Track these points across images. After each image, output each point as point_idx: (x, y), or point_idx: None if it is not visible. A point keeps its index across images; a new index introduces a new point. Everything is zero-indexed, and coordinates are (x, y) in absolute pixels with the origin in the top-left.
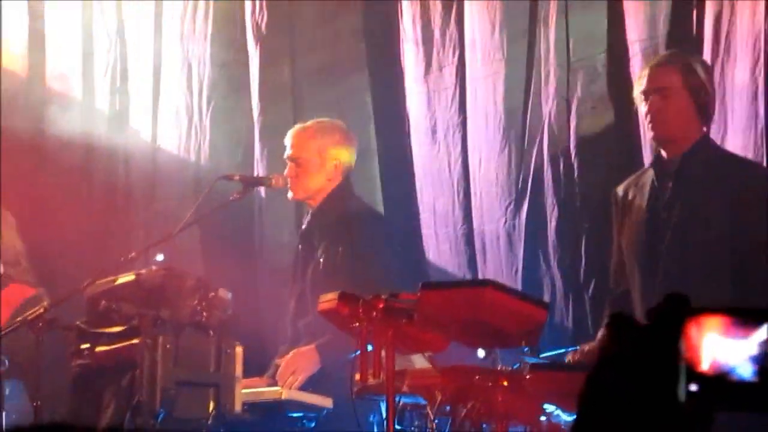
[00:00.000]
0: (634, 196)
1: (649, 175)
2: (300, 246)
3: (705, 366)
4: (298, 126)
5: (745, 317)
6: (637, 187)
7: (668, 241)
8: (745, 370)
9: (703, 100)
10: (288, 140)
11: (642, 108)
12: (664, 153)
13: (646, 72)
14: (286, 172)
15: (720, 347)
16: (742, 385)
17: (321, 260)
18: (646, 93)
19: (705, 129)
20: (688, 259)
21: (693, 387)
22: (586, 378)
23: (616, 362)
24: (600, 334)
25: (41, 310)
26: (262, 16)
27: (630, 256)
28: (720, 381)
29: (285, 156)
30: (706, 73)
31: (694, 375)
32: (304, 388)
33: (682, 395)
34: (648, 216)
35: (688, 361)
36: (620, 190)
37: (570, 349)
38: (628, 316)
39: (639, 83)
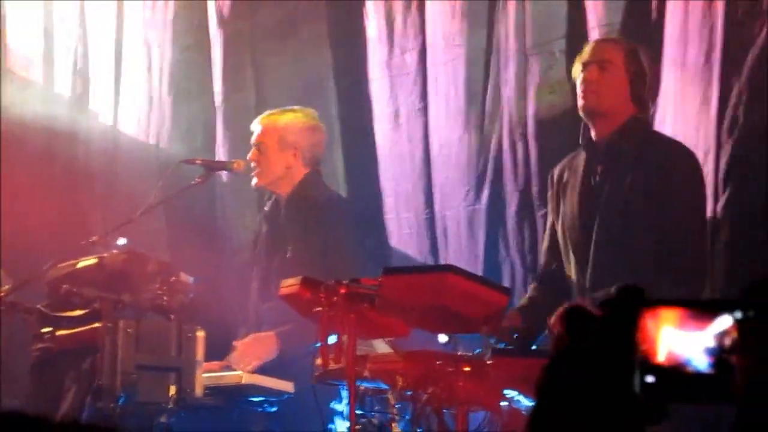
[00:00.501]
0: (569, 178)
1: (582, 157)
2: (264, 229)
3: (661, 358)
4: (266, 112)
5: (701, 309)
6: (571, 169)
7: (599, 221)
8: (701, 362)
9: (639, 85)
10: (254, 126)
11: (579, 79)
12: (593, 134)
13: (589, 46)
14: (249, 156)
15: (676, 339)
16: (698, 376)
17: (289, 248)
18: (586, 64)
19: (637, 111)
20: (616, 239)
21: (649, 378)
22: (542, 369)
23: (571, 354)
24: (551, 320)
25: (1, 293)
26: (225, 3)
27: (564, 235)
28: (676, 372)
29: (251, 140)
30: (649, 63)
31: (650, 366)
32: (265, 372)
33: (638, 387)
34: (581, 198)
35: (643, 352)
36: (556, 171)
37: None
38: (583, 309)
39: (580, 57)
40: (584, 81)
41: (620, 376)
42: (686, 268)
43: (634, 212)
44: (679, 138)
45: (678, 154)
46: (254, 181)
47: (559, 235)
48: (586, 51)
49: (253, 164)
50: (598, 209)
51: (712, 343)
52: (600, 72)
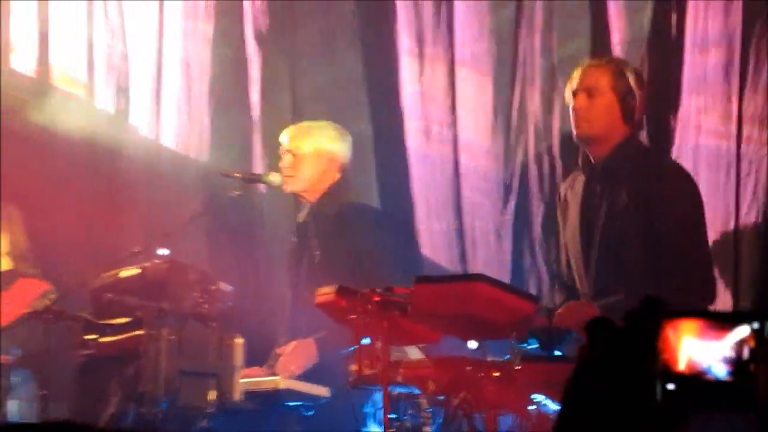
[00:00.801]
0: (571, 198)
1: (581, 178)
2: (296, 238)
3: (681, 366)
4: (294, 125)
5: (720, 320)
6: (572, 189)
7: (598, 238)
8: (720, 370)
9: (629, 104)
10: (284, 136)
11: (570, 107)
12: (591, 157)
13: (577, 72)
14: (281, 164)
15: (695, 348)
16: (717, 384)
17: (317, 254)
18: (575, 92)
19: (630, 131)
20: (613, 255)
21: (670, 386)
22: (567, 380)
23: (595, 365)
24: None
25: (48, 302)
26: (264, 20)
27: (569, 252)
28: (696, 380)
29: (281, 150)
30: (637, 80)
31: (671, 375)
32: (302, 378)
33: (659, 394)
34: (581, 217)
35: (665, 361)
36: (561, 190)
37: None
38: (607, 320)
39: (570, 83)
40: (575, 109)
41: (642, 384)
42: (682, 280)
43: (631, 231)
44: (705, 149)
45: (670, 172)
46: (286, 187)
47: (564, 250)
48: (575, 78)
49: (287, 171)
50: (597, 228)
51: (730, 352)
52: (589, 99)
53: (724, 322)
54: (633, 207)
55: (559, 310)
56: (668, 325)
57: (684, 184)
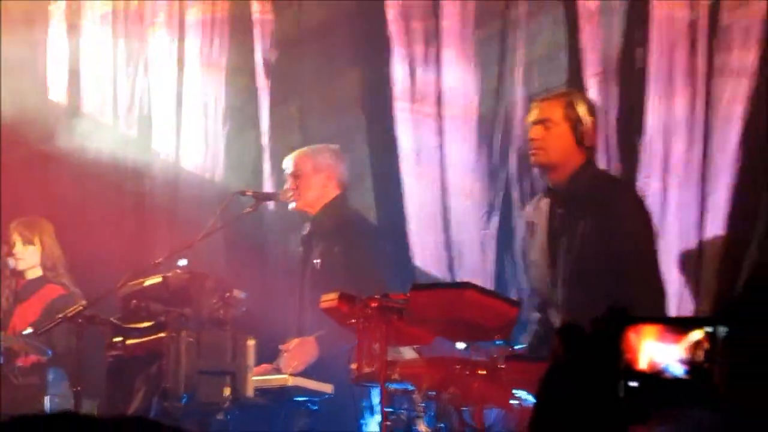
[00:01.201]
0: (538, 220)
1: (545, 201)
2: (301, 249)
3: (643, 366)
4: (295, 151)
5: (677, 325)
6: (537, 210)
7: (562, 257)
8: (677, 369)
9: (580, 131)
10: (287, 161)
11: (530, 134)
12: (550, 182)
13: (535, 105)
14: (286, 186)
15: (655, 350)
16: (675, 381)
17: (318, 261)
18: (532, 124)
19: (585, 157)
20: (576, 272)
21: (632, 383)
22: (540, 380)
23: (566, 366)
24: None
25: (80, 308)
26: (273, 54)
27: (537, 269)
28: (655, 378)
29: (285, 174)
30: (588, 109)
31: (633, 373)
32: (307, 375)
33: (623, 391)
34: (547, 238)
35: (627, 361)
36: (526, 212)
37: None
38: (576, 326)
39: (530, 114)
40: (532, 139)
41: (608, 382)
42: (636, 293)
43: (589, 253)
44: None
45: (621, 191)
46: (292, 205)
47: (533, 266)
48: (532, 112)
49: (290, 192)
50: (561, 250)
51: (686, 353)
52: (544, 130)
53: (680, 326)
54: (591, 230)
55: None
56: (630, 330)
57: (636, 203)
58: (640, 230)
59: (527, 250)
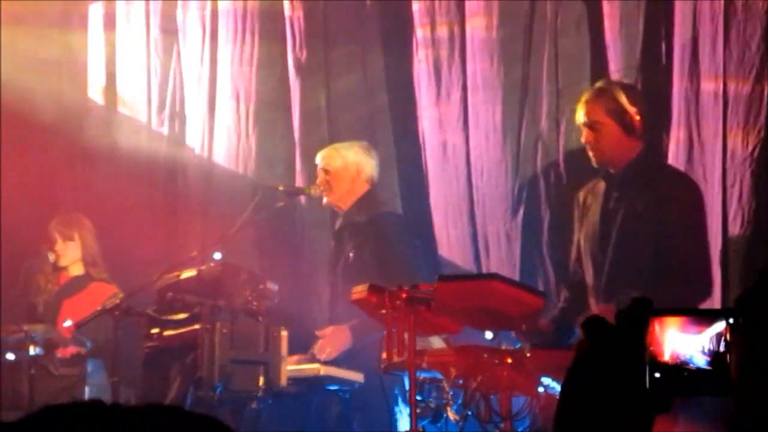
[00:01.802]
0: (591, 201)
1: (602, 185)
2: (333, 243)
3: (666, 357)
4: (327, 147)
5: (699, 316)
6: (593, 193)
7: (614, 239)
8: (699, 360)
9: (628, 122)
10: (319, 157)
11: (582, 137)
12: (610, 169)
13: (580, 107)
14: (318, 181)
15: (678, 342)
16: (697, 372)
17: (351, 255)
18: (583, 125)
19: (640, 143)
20: (627, 256)
21: (656, 375)
22: (567, 370)
23: (591, 356)
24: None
25: (117, 301)
26: (302, 52)
27: (585, 250)
28: (678, 369)
29: (318, 169)
30: (629, 97)
31: (657, 365)
32: (339, 364)
33: (647, 381)
34: (599, 218)
35: (651, 353)
36: (581, 195)
37: None
38: (601, 318)
39: (577, 115)
40: (586, 143)
41: (632, 373)
42: (684, 277)
43: (642, 234)
44: (697, 163)
45: (680, 184)
46: (324, 199)
47: (581, 248)
48: (579, 113)
49: (322, 187)
50: (614, 230)
51: (709, 344)
52: (593, 132)
53: (703, 318)
54: (646, 212)
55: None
56: (654, 322)
57: (694, 198)
58: (694, 222)
59: (577, 231)
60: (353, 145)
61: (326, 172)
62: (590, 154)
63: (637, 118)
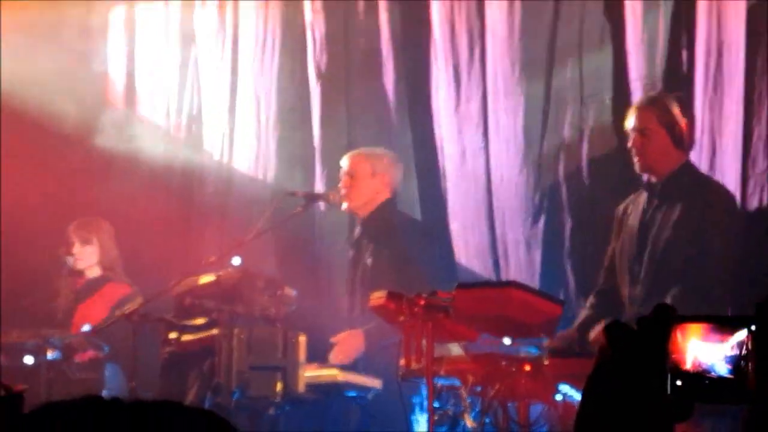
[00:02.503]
0: (631, 212)
1: (643, 196)
2: (351, 251)
3: (688, 365)
4: (353, 150)
5: (722, 324)
6: (634, 204)
7: (650, 248)
8: (722, 369)
9: (678, 134)
10: (345, 159)
11: (629, 142)
12: (652, 178)
13: (632, 112)
14: (341, 184)
15: (700, 350)
16: (719, 380)
17: (369, 261)
18: (631, 131)
19: (684, 155)
20: (662, 263)
21: (678, 382)
22: (588, 376)
23: (613, 363)
24: (594, 333)
25: (136, 306)
26: (323, 58)
27: (622, 259)
28: (700, 377)
29: (341, 172)
30: (682, 108)
31: (678, 372)
32: (357, 370)
33: (669, 389)
34: (639, 227)
35: (674, 361)
36: (621, 207)
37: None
38: (623, 324)
39: (627, 121)
40: (632, 147)
41: (654, 381)
42: (711, 290)
43: (678, 243)
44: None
45: (719, 198)
46: (344, 205)
47: (617, 256)
48: (629, 118)
49: (344, 191)
50: (651, 238)
51: (731, 352)
52: (641, 138)
53: (726, 326)
54: (682, 220)
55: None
56: (677, 329)
57: (730, 212)
58: (730, 241)
59: (613, 241)
60: (383, 156)
61: (351, 176)
62: (635, 159)
63: (686, 130)
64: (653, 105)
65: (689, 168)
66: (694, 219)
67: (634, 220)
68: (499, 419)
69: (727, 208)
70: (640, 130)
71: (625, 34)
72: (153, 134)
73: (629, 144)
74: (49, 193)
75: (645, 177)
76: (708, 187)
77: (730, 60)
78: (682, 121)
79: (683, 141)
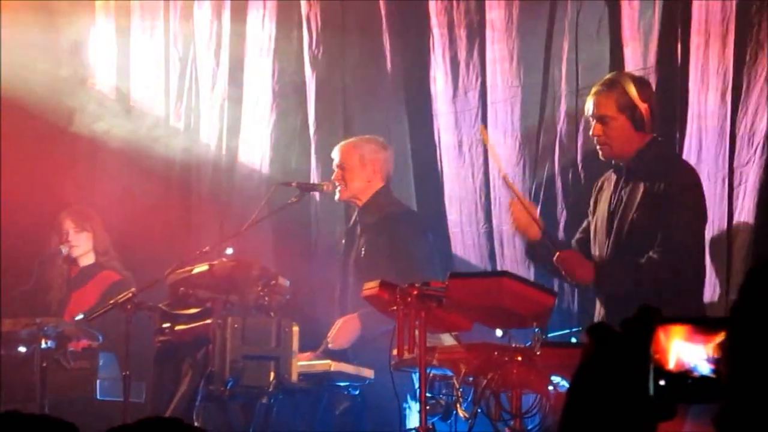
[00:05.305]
0: (605, 189)
1: (613, 177)
2: (345, 240)
3: (671, 365)
4: (342, 141)
5: (704, 326)
6: (608, 181)
7: (616, 227)
8: (704, 369)
9: (638, 117)
10: (335, 152)
11: (591, 130)
12: (619, 162)
13: (590, 99)
14: (333, 177)
15: (683, 350)
16: (702, 380)
17: (363, 250)
18: (591, 118)
19: (648, 135)
20: (627, 241)
21: (661, 382)
22: (572, 377)
23: (597, 364)
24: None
25: (130, 295)
26: (318, 48)
27: (595, 230)
28: (683, 377)
29: (333, 165)
30: (640, 89)
31: (662, 372)
32: (349, 360)
33: (652, 389)
34: (608, 206)
35: (657, 361)
36: (599, 182)
37: (574, 329)
38: (607, 325)
39: (587, 106)
40: (594, 135)
41: (637, 380)
42: (678, 263)
43: (641, 222)
44: (705, 163)
45: (680, 172)
46: (337, 196)
47: (591, 232)
48: (587, 105)
49: (336, 183)
50: (616, 217)
51: (713, 353)
52: (602, 126)
53: (708, 327)
54: (646, 199)
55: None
56: (660, 330)
57: (693, 186)
58: (694, 215)
59: (590, 215)
60: (370, 141)
61: (342, 168)
62: (598, 147)
63: (648, 113)
64: (611, 90)
65: (653, 147)
66: (658, 196)
67: (606, 198)
68: (492, 409)
69: (693, 186)
70: (599, 117)
71: (622, 26)
72: (149, 124)
73: (591, 132)
74: (37, 186)
75: (614, 162)
76: (671, 165)
77: (716, 51)
78: (642, 106)
79: (644, 124)
